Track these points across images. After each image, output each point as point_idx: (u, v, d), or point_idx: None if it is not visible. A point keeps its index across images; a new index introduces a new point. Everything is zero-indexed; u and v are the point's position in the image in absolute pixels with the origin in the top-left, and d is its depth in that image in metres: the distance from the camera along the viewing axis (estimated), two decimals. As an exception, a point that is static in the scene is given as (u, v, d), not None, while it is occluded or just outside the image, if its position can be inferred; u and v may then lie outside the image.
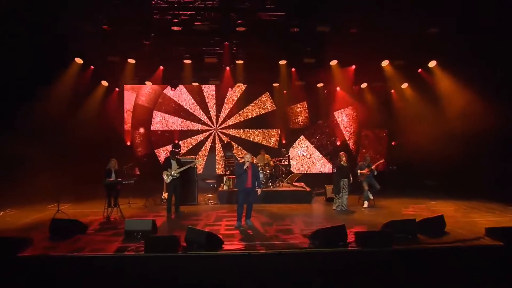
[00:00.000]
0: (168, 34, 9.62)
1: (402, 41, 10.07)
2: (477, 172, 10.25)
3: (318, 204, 10.28)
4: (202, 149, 14.15)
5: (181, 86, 13.76)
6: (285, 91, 13.87)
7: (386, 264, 5.52)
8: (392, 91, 13.52)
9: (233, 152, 13.36)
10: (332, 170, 12.52)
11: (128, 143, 13.85)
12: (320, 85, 13.61)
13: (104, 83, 12.60)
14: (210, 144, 14.24)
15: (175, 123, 14.15)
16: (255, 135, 14.35)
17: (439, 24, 9.09)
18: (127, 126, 13.95)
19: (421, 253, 5.79)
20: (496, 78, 9.34)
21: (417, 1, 8.55)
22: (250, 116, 14.34)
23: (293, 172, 13.14)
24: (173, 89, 13.37)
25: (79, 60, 10.89)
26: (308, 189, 10.68)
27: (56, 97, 10.46)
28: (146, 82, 12.74)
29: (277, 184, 11.25)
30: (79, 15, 8.67)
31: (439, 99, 11.34)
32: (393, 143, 13.99)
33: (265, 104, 14.37)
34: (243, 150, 13.79)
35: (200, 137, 14.23)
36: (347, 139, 14.42)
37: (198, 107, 14.23)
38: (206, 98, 14.28)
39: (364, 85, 13.40)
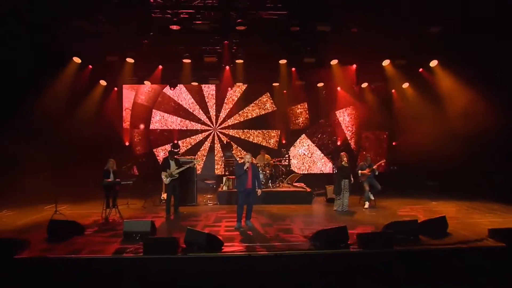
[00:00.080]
0: (167, 33, 9.52)
1: (403, 41, 10.01)
2: (479, 172, 10.22)
3: (319, 204, 10.22)
4: (201, 149, 14.07)
5: (181, 85, 13.68)
6: (285, 91, 13.80)
7: (388, 265, 5.47)
8: (393, 90, 13.47)
9: (233, 152, 13.28)
10: (333, 170, 12.52)
11: (127, 143, 13.76)
12: (320, 84, 13.54)
13: (103, 82, 12.51)
14: (209, 144, 14.16)
15: (174, 122, 14.08)
16: (255, 136, 14.28)
17: (441, 23, 9.02)
18: (126, 124, 13.85)
19: (423, 254, 5.75)
20: (497, 77, 9.27)
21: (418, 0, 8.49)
22: (250, 117, 14.25)
23: (294, 171, 13.11)
24: (172, 88, 13.29)
25: (77, 59, 10.80)
26: (308, 189, 10.62)
27: (53, 96, 10.37)
28: (145, 82, 12.65)
29: (277, 185, 11.19)
30: (77, 14, 8.58)
31: (440, 99, 11.29)
32: (394, 143, 13.94)
33: (265, 104, 14.29)
34: (243, 151, 13.72)
35: (199, 137, 14.15)
36: (348, 138, 14.35)
37: (197, 106, 14.15)
38: (206, 97, 14.20)
39: (364, 85, 13.34)
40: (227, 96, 14.19)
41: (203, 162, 13.63)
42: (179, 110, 14.04)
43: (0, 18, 7.96)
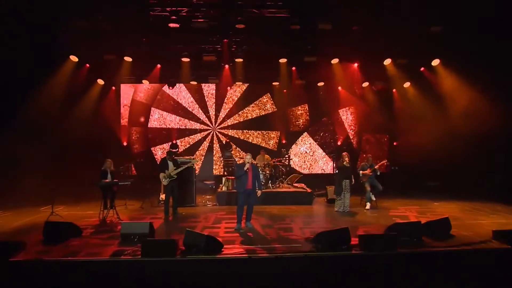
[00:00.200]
0: (165, 31, 9.41)
1: (405, 39, 9.93)
2: (480, 172, 10.14)
3: (319, 205, 10.13)
4: (199, 149, 13.96)
5: (180, 84, 13.57)
6: (285, 90, 13.69)
7: (390, 268, 5.39)
8: (394, 90, 13.40)
9: (232, 152, 13.16)
10: (333, 171, 12.45)
11: (125, 143, 13.63)
12: (320, 84, 13.44)
13: (100, 81, 12.38)
14: (208, 144, 14.04)
15: (173, 121, 13.95)
16: (254, 137, 14.16)
17: (442, 22, 8.94)
18: (124, 121, 13.70)
19: (426, 256, 5.65)
20: (499, 76, 9.19)
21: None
22: (250, 117, 14.14)
23: (295, 169, 13.01)
24: (170, 88, 13.16)
25: (74, 58, 10.67)
26: (309, 190, 10.53)
27: (50, 95, 10.26)
28: (143, 81, 12.52)
29: (277, 185, 11.09)
30: (75, 11, 8.46)
31: (442, 98, 11.22)
32: (395, 143, 13.85)
33: (265, 105, 14.18)
34: (242, 152, 13.61)
35: (198, 136, 14.04)
36: (351, 137, 14.25)
37: (197, 105, 14.03)
38: (205, 96, 14.08)
39: (365, 84, 13.25)
40: (227, 96, 14.08)
41: (201, 162, 13.51)
42: (178, 109, 13.92)
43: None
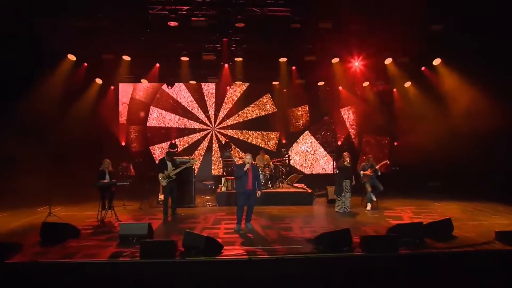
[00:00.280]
0: (165, 30, 9.32)
1: (406, 39, 9.86)
2: (481, 172, 10.10)
3: (320, 206, 10.06)
4: (198, 149, 13.88)
5: (180, 83, 13.48)
6: (285, 90, 13.62)
7: (392, 269, 5.33)
8: (394, 90, 13.34)
9: (231, 152, 13.08)
10: (333, 171, 12.39)
11: (123, 143, 13.53)
12: (321, 83, 13.36)
13: (98, 81, 12.29)
14: (207, 144, 13.96)
15: (172, 120, 13.87)
16: (254, 137, 14.09)
17: (443, 21, 8.88)
18: (122, 119, 13.60)
19: (429, 258, 5.58)
20: (501, 75, 9.13)
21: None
22: (250, 117, 14.06)
23: (296, 168, 12.93)
24: (169, 87, 13.07)
25: (72, 57, 10.57)
26: (309, 190, 10.46)
27: (47, 95, 10.16)
28: (142, 80, 12.42)
29: (277, 185, 11.02)
30: (72, 9, 8.36)
31: (443, 98, 11.17)
32: (395, 143, 13.80)
33: (265, 105, 14.11)
34: (241, 152, 13.53)
35: (197, 136, 13.95)
36: (352, 137, 14.19)
37: (196, 105, 13.95)
38: (205, 96, 13.99)
39: (366, 84, 13.19)
40: (227, 96, 14.00)
41: (200, 162, 13.43)
42: (177, 108, 13.84)
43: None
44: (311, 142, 14.20)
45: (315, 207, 9.82)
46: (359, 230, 6.88)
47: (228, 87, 13.83)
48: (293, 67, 12.27)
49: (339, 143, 14.08)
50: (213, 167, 13.83)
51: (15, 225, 7.71)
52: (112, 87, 13.17)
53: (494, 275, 5.20)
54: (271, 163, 11.17)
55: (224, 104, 14.02)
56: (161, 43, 10.57)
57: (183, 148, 13.69)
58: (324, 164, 14.12)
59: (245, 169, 7.06)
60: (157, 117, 13.81)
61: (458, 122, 10.43)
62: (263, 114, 14.08)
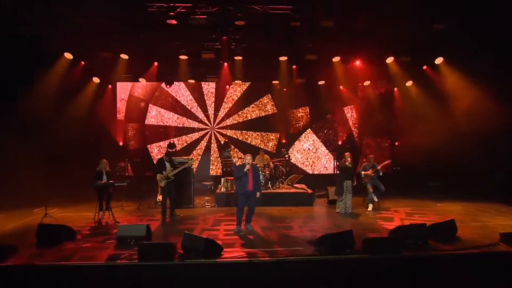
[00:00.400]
0: (163, 28, 9.19)
1: (407, 37, 9.77)
2: (483, 172, 10.02)
3: (320, 206, 9.96)
4: (197, 148, 13.75)
5: (180, 82, 13.34)
6: (285, 89, 13.52)
7: (396, 272, 5.24)
8: (395, 89, 13.25)
9: (230, 153, 12.96)
10: (334, 171, 12.30)
11: (121, 143, 13.39)
12: (321, 82, 13.26)
13: (96, 79, 12.14)
14: (205, 144, 13.84)
15: (171, 118, 13.74)
16: (253, 138, 13.97)
17: (445, 20, 8.79)
18: (120, 115, 13.44)
19: (432, 260, 5.48)
20: (503, 74, 9.06)
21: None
22: (250, 118, 13.94)
23: (297, 167, 12.84)
24: (168, 86, 12.94)
25: (68, 55, 10.42)
26: (309, 191, 10.36)
27: (43, 94, 10.03)
28: (140, 79, 12.27)
29: (277, 186, 10.92)
30: (69, 7, 8.23)
31: (444, 97, 11.10)
32: (396, 143, 13.71)
33: (266, 106, 13.99)
34: (240, 153, 13.41)
35: (196, 135, 13.83)
36: (354, 136, 14.09)
37: (196, 104, 13.82)
38: (205, 95, 13.86)
39: (367, 83, 13.08)
40: (226, 95, 13.88)
41: (198, 162, 13.31)
42: (176, 107, 13.71)
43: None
44: (313, 140, 14.09)
45: (315, 208, 9.72)
46: (361, 231, 6.78)
47: (227, 86, 13.70)
48: (294, 66, 12.15)
49: (340, 142, 13.97)
50: (211, 167, 13.72)
51: (10, 226, 7.58)
52: (109, 86, 13.03)
53: (498, 278, 5.13)
54: (271, 163, 11.06)
55: (223, 103, 13.90)
56: (159, 41, 10.45)
57: (181, 147, 13.56)
58: (325, 162, 14.01)
59: (245, 169, 6.96)
60: (156, 115, 13.68)
61: (459, 121, 10.36)
62: (263, 114, 13.97)
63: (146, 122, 13.63)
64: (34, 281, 4.93)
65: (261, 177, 9.85)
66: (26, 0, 7.92)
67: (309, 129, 14.05)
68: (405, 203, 9.91)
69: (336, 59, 11.36)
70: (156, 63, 11.75)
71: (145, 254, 5.17)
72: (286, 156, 11.98)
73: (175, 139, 13.55)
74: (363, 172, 9.13)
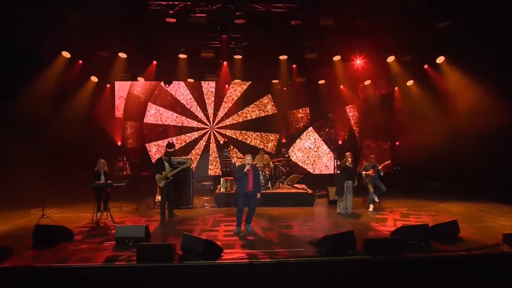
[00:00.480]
0: (162, 26, 9.10)
1: (409, 36, 9.70)
2: (485, 172, 9.97)
3: (321, 207, 9.89)
4: (195, 148, 13.67)
5: (179, 81, 13.25)
6: (285, 88, 13.44)
7: (398, 273, 5.19)
8: (396, 88, 13.19)
9: (230, 152, 12.89)
10: (335, 171, 12.24)
11: (119, 143, 13.29)
12: (321, 82, 13.19)
13: (94, 78, 12.04)
14: (204, 143, 13.76)
15: (170, 117, 13.65)
16: (253, 138, 13.89)
17: (447, 19, 8.74)
18: (119, 113, 13.34)
19: (435, 261, 5.42)
20: (505, 74, 9.01)
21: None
22: (249, 118, 13.86)
23: (298, 165, 12.77)
24: (167, 85, 12.85)
25: (66, 54, 10.33)
26: (309, 191, 10.29)
27: (41, 93, 9.95)
28: (139, 78, 12.18)
29: (277, 186, 10.85)
30: (67, 5, 8.15)
31: (445, 97, 11.04)
32: (397, 143, 13.66)
33: (266, 106, 13.92)
34: (239, 153, 13.34)
35: (195, 135, 13.75)
36: (356, 135, 14.02)
37: (195, 103, 13.73)
38: (205, 94, 13.78)
39: (367, 82, 13.01)
40: (226, 95, 13.80)
41: (196, 162, 13.23)
42: (175, 106, 13.64)
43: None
44: (315, 138, 14.02)
45: (316, 208, 9.65)
46: (362, 232, 6.71)
47: (227, 86, 13.63)
48: (294, 65, 12.08)
49: (340, 142, 13.91)
50: (210, 167, 13.64)
51: (6, 227, 7.49)
52: (108, 85, 12.93)
53: (502, 279, 5.09)
54: (271, 163, 10.99)
55: (223, 103, 13.82)
56: (158, 40, 10.36)
57: (180, 146, 13.48)
58: (327, 161, 13.93)
59: (245, 170, 6.89)
60: (155, 114, 13.59)
61: (460, 121, 10.30)
62: (263, 115, 13.90)
63: (145, 120, 13.55)
64: (31, 283, 4.88)
65: (261, 177, 9.79)
66: (26, 0, 7.85)
67: (311, 127, 13.98)
68: (406, 203, 9.85)
69: (336, 58, 11.30)
70: (155, 62, 11.66)
71: (143, 256, 5.12)
72: (286, 156, 11.91)
73: (173, 138, 13.47)
74: (364, 172, 9.06)
